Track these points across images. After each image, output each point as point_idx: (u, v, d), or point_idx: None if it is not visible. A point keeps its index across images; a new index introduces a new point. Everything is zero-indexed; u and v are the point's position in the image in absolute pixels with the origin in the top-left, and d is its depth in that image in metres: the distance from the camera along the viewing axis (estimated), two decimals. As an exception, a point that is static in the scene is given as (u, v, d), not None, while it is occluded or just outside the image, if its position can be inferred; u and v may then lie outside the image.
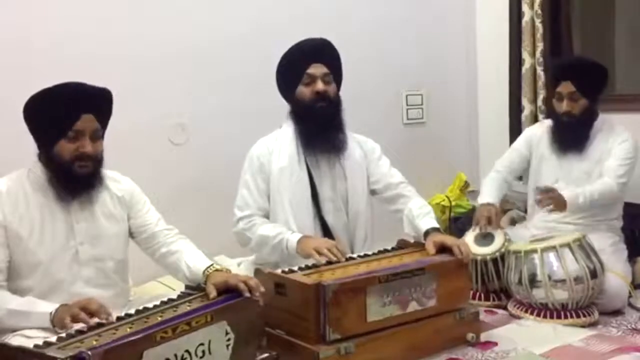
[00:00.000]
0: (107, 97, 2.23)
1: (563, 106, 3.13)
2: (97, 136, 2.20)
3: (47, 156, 2.17)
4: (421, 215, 2.75)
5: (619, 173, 3.05)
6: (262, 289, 2.13)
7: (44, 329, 1.97)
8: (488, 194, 3.24)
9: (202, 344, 1.92)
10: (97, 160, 2.20)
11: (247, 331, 2.06)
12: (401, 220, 2.83)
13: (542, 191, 2.98)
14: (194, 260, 2.26)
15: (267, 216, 2.78)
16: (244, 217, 2.75)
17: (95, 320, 1.90)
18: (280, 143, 2.80)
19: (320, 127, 2.75)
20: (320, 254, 2.51)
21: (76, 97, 2.13)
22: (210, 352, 1.94)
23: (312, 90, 2.74)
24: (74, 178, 2.16)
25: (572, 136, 3.16)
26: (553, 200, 2.93)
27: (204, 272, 2.18)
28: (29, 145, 2.22)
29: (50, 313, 1.97)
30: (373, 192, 2.91)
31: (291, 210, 2.73)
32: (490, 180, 3.32)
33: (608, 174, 3.05)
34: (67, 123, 2.12)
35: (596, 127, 3.16)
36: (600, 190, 3.00)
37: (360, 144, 2.90)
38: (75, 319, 1.90)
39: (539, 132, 3.32)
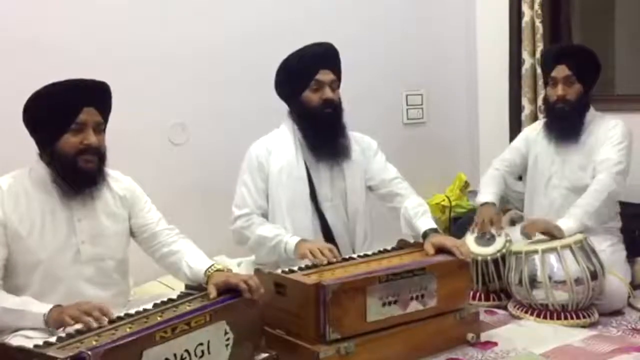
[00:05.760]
0: (106, 89, 2.24)
1: (558, 90, 3.08)
2: (100, 129, 2.21)
3: (50, 154, 2.16)
4: (418, 215, 2.76)
5: (615, 160, 2.97)
6: (262, 290, 2.13)
7: (43, 329, 1.96)
8: (487, 193, 3.20)
9: (201, 344, 1.92)
10: (101, 156, 2.21)
11: (246, 331, 2.07)
12: (398, 219, 2.83)
13: (528, 226, 2.94)
14: (195, 260, 2.26)
15: (265, 215, 2.78)
16: (243, 215, 2.75)
17: (93, 322, 1.89)
18: (279, 143, 2.81)
19: (326, 133, 2.78)
20: (313, 255, 2.51)
21: (77, 90, 2.15)
22: (209, 352, 1.94)
23: (320, 97, 2.75)
24: (78, 174, 2.16)
25: (566, 124, 3.12)
26: (543, 230, 2.88)
27: (205, 272, 2.19)
28: (32, 144, 2.22)
29: (44, 314, 1.97)
30: (369, 189, 2.92)
31: (289, 210, 2.74)
32: (489, 178, 3.29)
33: (603, 166, 2.98)
34: (71, 116, 2.13)
35: (588, 119, 3.13)
36: (594, 199, 2.91)
37: (358, 142, 2.91)
38: (76, 319, 1.89)
39: (536, 130, 3.30)
